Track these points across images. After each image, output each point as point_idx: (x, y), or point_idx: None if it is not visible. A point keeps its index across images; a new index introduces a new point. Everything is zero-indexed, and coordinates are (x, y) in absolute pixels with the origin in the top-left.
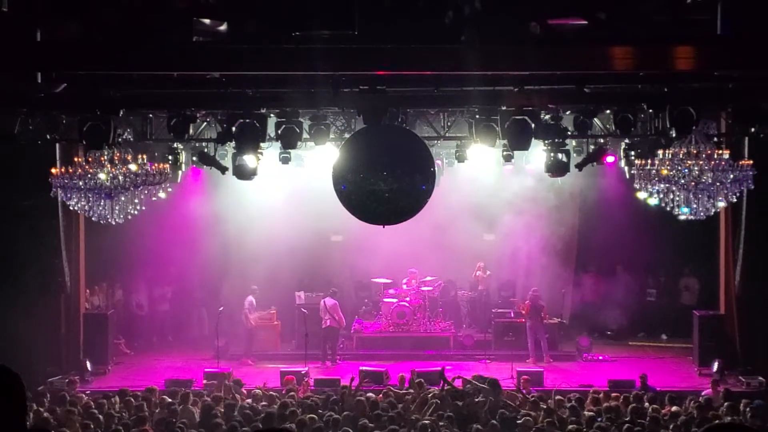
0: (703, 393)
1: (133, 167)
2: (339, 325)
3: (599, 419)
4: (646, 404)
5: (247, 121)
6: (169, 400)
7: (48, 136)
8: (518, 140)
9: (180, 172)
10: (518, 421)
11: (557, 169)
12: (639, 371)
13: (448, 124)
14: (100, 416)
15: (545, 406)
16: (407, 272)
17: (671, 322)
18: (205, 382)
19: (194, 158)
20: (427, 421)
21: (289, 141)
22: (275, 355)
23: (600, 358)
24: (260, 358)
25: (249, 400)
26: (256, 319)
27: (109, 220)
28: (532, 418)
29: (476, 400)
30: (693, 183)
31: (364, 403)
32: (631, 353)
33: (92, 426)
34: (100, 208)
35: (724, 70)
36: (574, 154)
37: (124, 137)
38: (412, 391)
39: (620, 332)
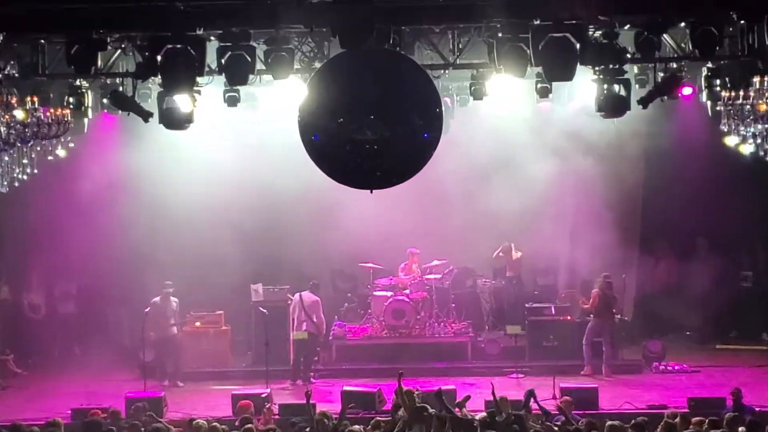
0: None
1: (19, 115)
2: (318, 331)
3: None
4: (741, 430)
5: (178, 47)
6: None
7: None
8: (558, 67)
9: (85, 121)
10: None
11: (613, 106)
12: (731, 385)
13: (460, 46)
14: None
15: None
16: (406, 254)
17: None
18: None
19: (105, 101)
20: None
21: (236, 74)
22: (224, 373)
23: (676, 368)
24: (203, 378)
25: None
26: (181, 327)
27: None
28: None
29: None
30: None
31: None
32: (720, 361)
33: None
34: None
35: None
36: (637, 86)
37: (5, 72)
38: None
39: (704, 332)
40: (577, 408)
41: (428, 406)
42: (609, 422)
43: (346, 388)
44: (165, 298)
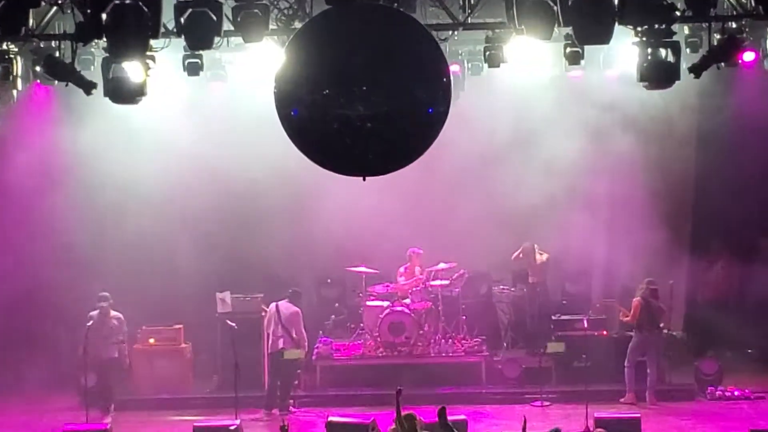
0: None
1: None
2: (300, 349)
3: None
4: None
5: (127, 3)
6: None
7: None
8: (591, 28)
9: (14, 92)
10: None
11: (659, 75)
12: None
13: (472, 2)
14: None
15: None
16: (407, 255)
17: None
18: None
19: (38, 68)
20: None
21: (199, 36)
22: (185, 401)
23: (736, 393)
24: (159, 406)
25: None
26: (124, 347)
27: None
28: None
29: None
30: None
31: None
32: None
33: None
34: None
35: None
36: (688, 50)
37: None
38: None
39: None
40: None
41: None
42: None
43: (332, 418)
44: (104, 313)
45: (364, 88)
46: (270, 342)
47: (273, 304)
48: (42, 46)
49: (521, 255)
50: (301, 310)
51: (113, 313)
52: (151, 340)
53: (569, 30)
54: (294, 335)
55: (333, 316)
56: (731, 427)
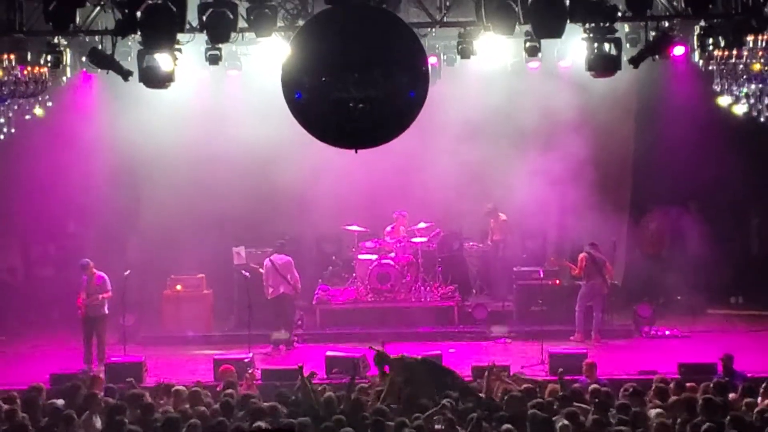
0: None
1: None
2: (295, 291)
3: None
4: (733, 396)
5: (159, 3)
6: (61, 402)
7: None
8: (547, 25)
9: (64, 79)
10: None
11: (604, 65)
12: (721, 351)
13: (447, 3)
14: None
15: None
16: (392, 216)
17: None
18: None
19: (84, 59)
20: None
21: (218, 32)
22: (206, 338)
23: (667, 333)
24: (185, 342)
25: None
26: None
27: None
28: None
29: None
30: None
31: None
32: (711, 326)
33: None
34: None
35: None
36: (628, 45)
37: None
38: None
39: (695, 297)
40: (568, 374)
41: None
42: (593, 386)
43: (329, 353)
44: (89, 276)
45: (357, 75)
46: (271, 290)
47: (267, 259)
48: (87, 39)
49: (491, 219)
50: (291, 259)
51: (97, 273)
52: (178, 287)
53: (528, 27)
54: (290, 280)
55: (330, 267)
56: (662, 359)
